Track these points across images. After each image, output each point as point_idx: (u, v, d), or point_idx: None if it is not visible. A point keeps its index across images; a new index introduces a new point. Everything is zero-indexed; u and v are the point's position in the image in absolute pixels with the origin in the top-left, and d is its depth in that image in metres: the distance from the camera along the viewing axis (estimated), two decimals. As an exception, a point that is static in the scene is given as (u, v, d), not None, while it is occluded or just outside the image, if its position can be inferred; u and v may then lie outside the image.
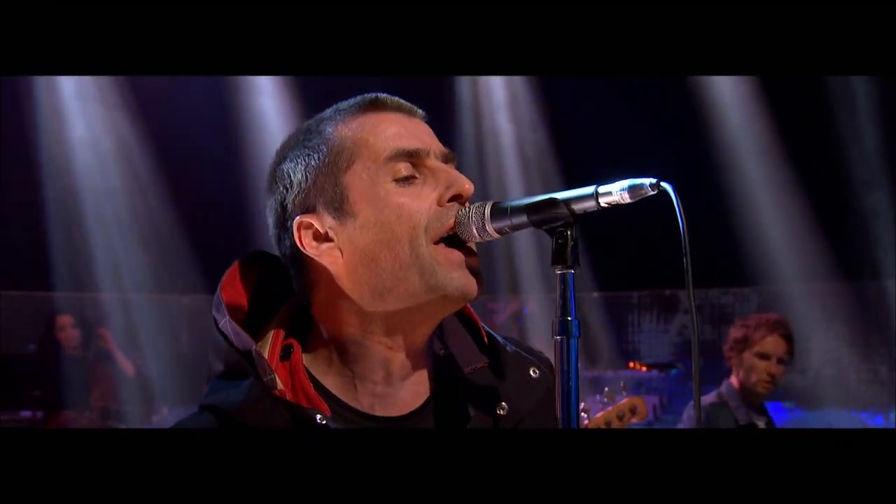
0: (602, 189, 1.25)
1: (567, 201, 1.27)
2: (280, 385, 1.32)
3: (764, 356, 4.11)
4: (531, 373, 1.43)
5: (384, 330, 1.36)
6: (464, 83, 8.26)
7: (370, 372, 1.38)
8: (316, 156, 1.36)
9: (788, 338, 4.21)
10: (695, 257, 1.22)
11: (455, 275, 1.32)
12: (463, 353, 1.42)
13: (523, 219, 1.29)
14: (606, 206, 1.26)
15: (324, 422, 1.29)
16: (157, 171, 8.55)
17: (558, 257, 1.27)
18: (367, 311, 1.34)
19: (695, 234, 1.23)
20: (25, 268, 8.75)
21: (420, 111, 1.44)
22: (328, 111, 1.41)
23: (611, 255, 7.87)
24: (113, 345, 7.81)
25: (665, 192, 1.21)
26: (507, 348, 1.45)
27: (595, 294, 8.60)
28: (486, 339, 1.44)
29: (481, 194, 1.40)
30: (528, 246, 7.49)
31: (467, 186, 1.35)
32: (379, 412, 1.38)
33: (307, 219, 1.35)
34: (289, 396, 1.32)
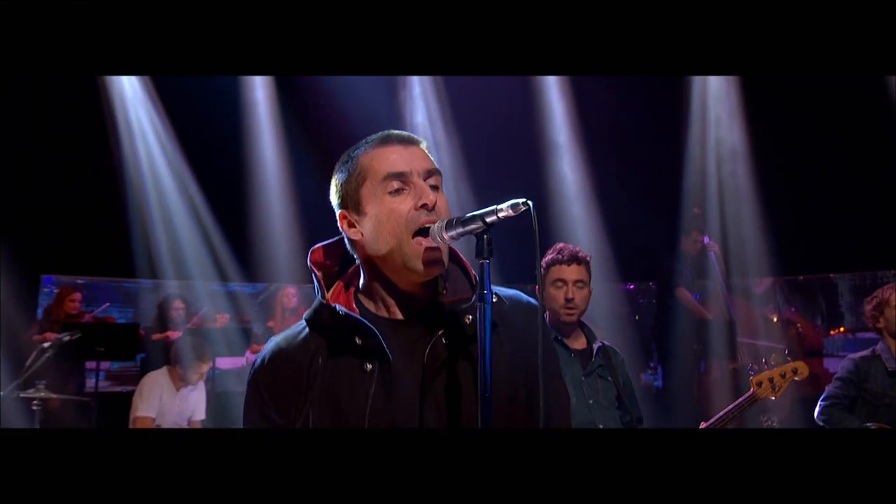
0: (499, 207, 1.70)
1: (481, 216, 1.71)
2: (328, 296, 1.93)
3: None
4: (494, 300, 1.85)
5: (388, 278, 1.90)
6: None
7: (384, 297, 1.92)
8: (347, 174, 1.90)
9: None
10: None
11: (423, 262, 1.81)
12: (455, 289, 1.91)
13: (460, 229, 1.74)
14: (504, 217, 1.69)
15: (341, 311, 1.85)
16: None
17: (479, 253, 1.72)
18: (375, 272, 1.91)
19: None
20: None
21: (421, 140, 1.94)
22: (361, 142, 1.94)
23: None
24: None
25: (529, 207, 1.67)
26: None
27: (801, 278, 9.01)
28: (474, 282, 1.91)
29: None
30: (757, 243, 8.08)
31: (431, 198, 1.83)
32: (389, 316, 1.92)
33: (343, 212, 1.91)
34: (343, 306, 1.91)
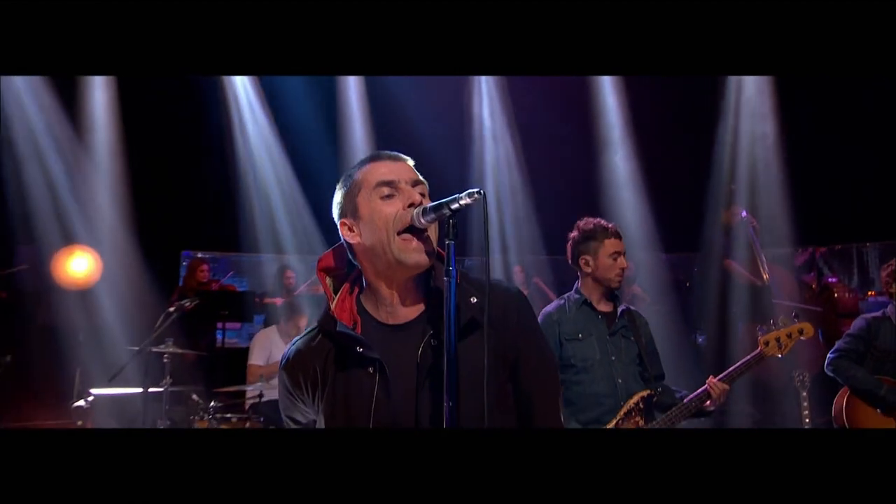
0: (459, 196, 1.82)
1: (448, 203, 1.82)
2: (333, 307, 2.01)
3: None
4: (471, 300, 1.95)
5: (384, 280, 1.99)
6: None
7: (383, 300, 2.01)
8: (347, 187, 2.03)
9: None
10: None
11: (411, 255, 1.92)
12: (442, 285, 1.86)
13: (432, 215, 1.87)
14: (464, 204, 1.81)
15: (336, 328, 1.96)
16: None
17: (445, 234, 1.84)
18: (373, 272, 2.00)
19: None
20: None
21: (406, 158, 2.06)
22: (357, 162, 2.08)
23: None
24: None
25: (483, 195, 1.79)
26: (463, 286, 1.91)
27: (837, 247, 9.22)
28: (458, 280, 1.86)
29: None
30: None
31: (417, 198, 1.93)
32: (389, 322, 2.01)
33: (343, 220, 2.02)
34: (342, 315, 2.00)
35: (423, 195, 2.01)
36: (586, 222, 4.18)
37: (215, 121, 9.18)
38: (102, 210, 8.47)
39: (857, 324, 5.00)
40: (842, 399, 4.91)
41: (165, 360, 6.11)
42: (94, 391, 6.60)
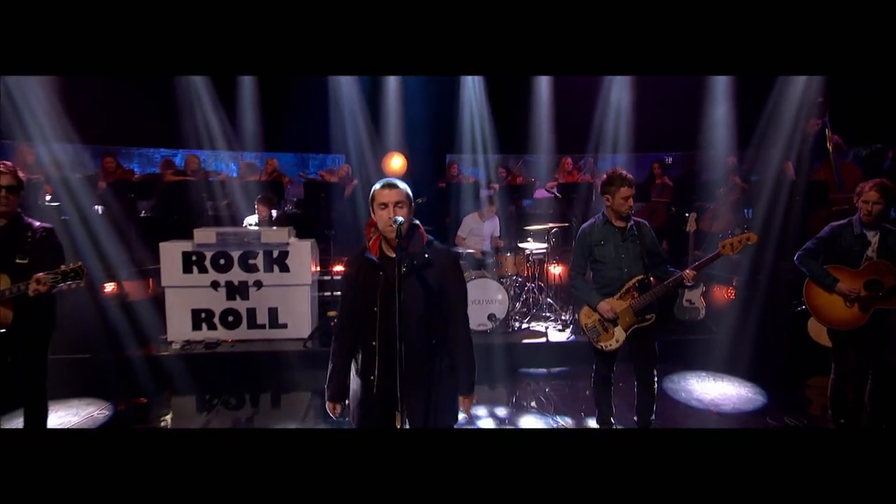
0: (399, 219, 3.15)
1: (396, 219, 3.14)
2: (368, 246, 3.37)
3: (865, 202, 5.25)
4: (425, 255, 3.18)
5: (385, 238, 3.31)
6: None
7: (387, 246, 3.29)
8: (371, 196, 3.30)
9: (882, 190, 5.20)
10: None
11: (390, 234, 3.19)
12: (413, 246, 3.22)
13: (395, 223, 3.13)
14: (400, 223, 3.13)
15: (367, 255, 3.34)
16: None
17: (397, 235, 3.05)
18: (382, 234, 3.31)
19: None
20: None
21: (398, 184, 3.23)
22: (378, 182, 3.26)
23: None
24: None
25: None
26: (430, 249, 3.20)
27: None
28: (424, 242, 3.20)
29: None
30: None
31: (393, 214, 3.19)
32: (391, 255, 3.26)
33: (371, 209, 3.33)
34: (372, 249, 3.38)
35: (400, 208, 3.28)
36: (612, 170, 5.04)
37: (451, 110, 12.29)
38: (398, 133, 12.02)
39: (824, 230, 5.51)
40: (807, 283, 5.58)
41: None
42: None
